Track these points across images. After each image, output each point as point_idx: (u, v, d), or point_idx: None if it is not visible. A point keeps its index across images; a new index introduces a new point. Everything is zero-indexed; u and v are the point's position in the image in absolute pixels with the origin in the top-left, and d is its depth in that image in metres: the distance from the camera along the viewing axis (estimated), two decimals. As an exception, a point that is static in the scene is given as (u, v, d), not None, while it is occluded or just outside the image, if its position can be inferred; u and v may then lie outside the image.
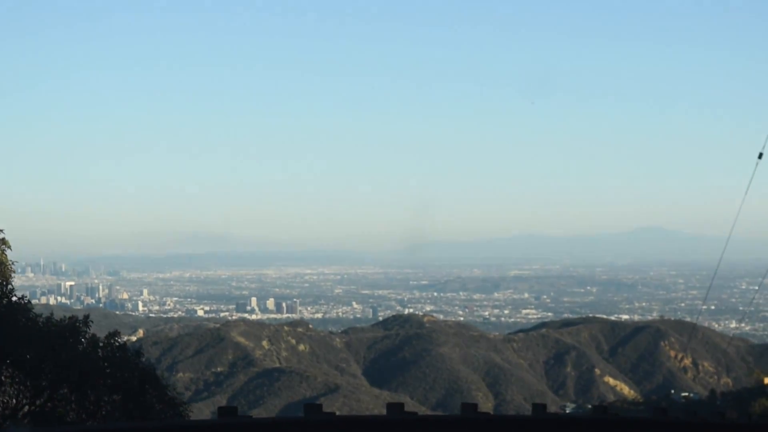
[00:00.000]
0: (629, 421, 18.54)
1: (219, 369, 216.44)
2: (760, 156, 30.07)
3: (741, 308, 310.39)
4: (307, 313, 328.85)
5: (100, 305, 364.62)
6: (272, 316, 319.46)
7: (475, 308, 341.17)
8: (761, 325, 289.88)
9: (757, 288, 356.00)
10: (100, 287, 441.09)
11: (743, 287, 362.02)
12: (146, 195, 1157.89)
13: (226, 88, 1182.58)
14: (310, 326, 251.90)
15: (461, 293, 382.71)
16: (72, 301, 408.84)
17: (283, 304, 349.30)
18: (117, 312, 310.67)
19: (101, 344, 34.13)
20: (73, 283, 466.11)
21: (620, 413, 23.65)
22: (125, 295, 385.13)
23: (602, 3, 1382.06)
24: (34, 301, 37.57)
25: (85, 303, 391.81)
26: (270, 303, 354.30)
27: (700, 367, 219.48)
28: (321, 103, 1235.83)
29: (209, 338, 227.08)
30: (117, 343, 34.42)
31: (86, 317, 34.57)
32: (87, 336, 34.06)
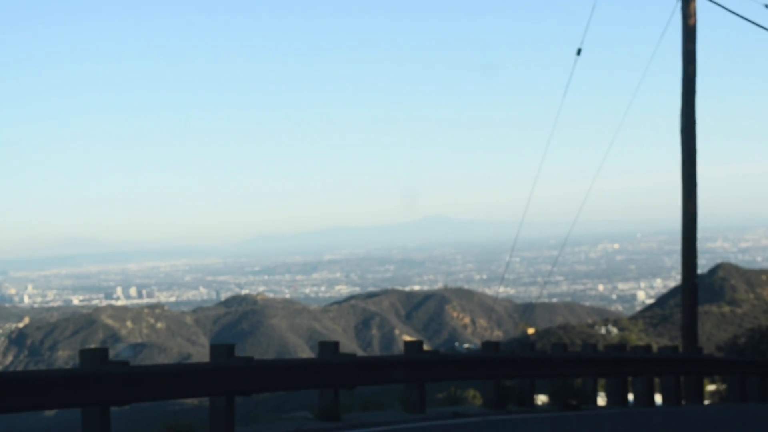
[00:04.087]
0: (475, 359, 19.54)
1: (92, 346, 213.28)
2: (579, 52, 29.85)
3: (506, 276, 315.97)
4: (163, 297, 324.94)
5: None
6: (135, 301, 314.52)
7: (298, 287, 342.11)
8: (522, 288, 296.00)
9: (518, 259, 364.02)
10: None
11: (507, 259, 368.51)
12: (30, 204, 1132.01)
13: (91, 106, 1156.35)
14: (166, 308, 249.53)
15: (287, 275, 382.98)
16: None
17: (143, 291, 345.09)
18: (6, 305, 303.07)
19: None
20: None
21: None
22: (13, 291, 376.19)
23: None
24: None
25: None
26: (132, 291, 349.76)
27: (477, 324, 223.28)
28: (170, 110, 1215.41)
29: (83, 321, 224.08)
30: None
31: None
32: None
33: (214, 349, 16.19)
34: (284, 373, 16.63)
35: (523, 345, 22.49)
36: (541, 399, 26.82)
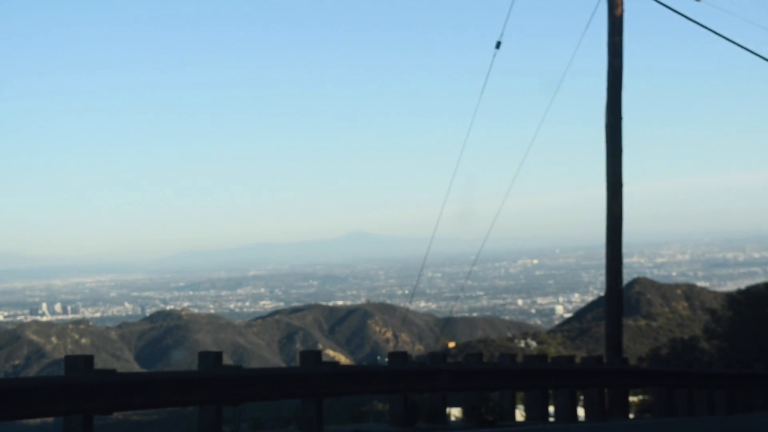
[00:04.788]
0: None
1: (17, 362, 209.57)
2: (498, 45, 27.72)
3: (428, 291, 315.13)
4: (88, 313, 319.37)
5: None
6: (60, 317, 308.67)
7: (222, 302, 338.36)
8: (443, 303, 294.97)
9: (439, 275, 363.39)
10: None
11: (429, 275, 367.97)
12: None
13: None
14: (91, 323, 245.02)
15: (211, 291, 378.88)
16: None
17: (69, 307, 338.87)
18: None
19: None
20: None
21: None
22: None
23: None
24: None
25: None
26: (58, 307, 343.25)
27: (399, 338, 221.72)
28: (90, 126, 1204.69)
29: (8, 337, 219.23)
30: None
31: None
32: None
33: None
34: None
35: (434, 356, 19.84)
36: (455, 414, 24.28)
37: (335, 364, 17.31)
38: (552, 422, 22.13)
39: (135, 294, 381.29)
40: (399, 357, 18.79)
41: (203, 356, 15.79)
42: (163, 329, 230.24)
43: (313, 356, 17.00)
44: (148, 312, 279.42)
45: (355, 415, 19.90)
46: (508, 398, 21.15)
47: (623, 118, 27.22)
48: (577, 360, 25.16)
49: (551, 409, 22.76)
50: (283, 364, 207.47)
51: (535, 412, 21.79)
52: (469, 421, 20.15)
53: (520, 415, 22.66)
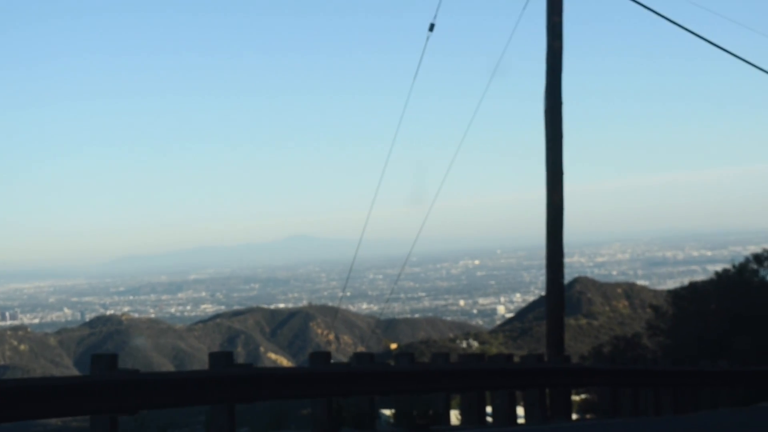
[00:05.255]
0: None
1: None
2: (431, 27, 26.14)
3: (370, 293, 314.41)
4: (26, 319, 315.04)
5: None
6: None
7: (163, 307, 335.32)
8: (385, 304, 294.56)
9: (381, 276, 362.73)
10: None
11: (371, 277, 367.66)
12: None
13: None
14: (29, 330, 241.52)
15: (152, 295, 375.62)
16: None
17: (7, 314, 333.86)
18: None
19: None
20: None
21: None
22: None
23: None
24: None
25: None
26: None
27: (342, 340, 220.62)
28: (28, 133, 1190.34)
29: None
30: None
31: None
32: None
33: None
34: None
35: (360, 357, 18.23)
36: (386, 418, 22.73)
37: (248, 366, 15.66)
38: (490, 425, 20.65)
39: (74, 299, 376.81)
40: (321, 358, 17.20)
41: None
42: (103, 335, 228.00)
43: (224, 358, 15.39)
44: (88, 317, 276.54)
45: (276, 419, 18.22)
46: (442, 400, 19.61)
47: (563, 103, 25.74)
48: (516, 359, 23.69)
49: (489, 409, 21.29)
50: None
51: (472, 415, 20.27)
52: (399, 426, 18.60)
53: (455, 418, 21.09)
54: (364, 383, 17.19)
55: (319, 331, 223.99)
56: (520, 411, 22.39)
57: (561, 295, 26.08)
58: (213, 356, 15.42)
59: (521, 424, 21.19)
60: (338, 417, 17.29)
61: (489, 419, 21.42)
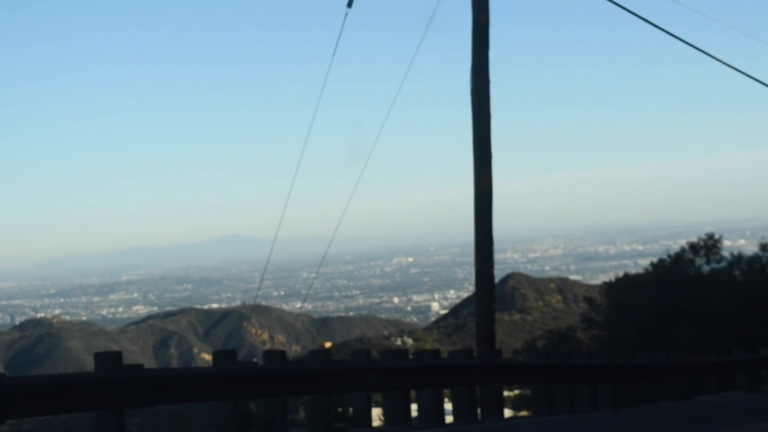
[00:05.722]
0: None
1: None
2: (350, 3, 24.45)
3: (303, 291, 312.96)
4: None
5: None
6: None
7: (95, 309, 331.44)
8: (319, 303, 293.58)
9: (314, 275, 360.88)
10: None
11: (305, 276, 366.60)
12: None
13: None
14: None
15: (83, 297, 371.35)
16: None
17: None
18: None
19: None
20: None
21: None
22: None
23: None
24: None
25: None
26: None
27: (276, 340, 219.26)
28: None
29: None
30: None
31: None
32: None
33: None
34: None
35: (270, 355, 16.52)
36: (300, 421, 21.04)
37: (138, 367, 13.91)
38: (415, 426, 19.07)
39: (4, 302, 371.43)
40: (225, 356, 15.51)
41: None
42: (33, 338, 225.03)
43: (111, 358, 13.63)
44: (18, 320, 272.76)
45: (177, 425, 16.44)
46: (363, 401, 17.98)
47: (491, 82, 24.16)
48: (444, 354, 22.12)
49: (414, 408, 19.72)
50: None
51: (395, 416, 18.66)
52: (314, 430, 16.94)
53: (378, 418, 19.47)
54: (274, 384, 15.52)
55: (253, 330, 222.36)
56: (448, 409, 20.92)
57: (491, 286, 24.51)
58: (99, 356, 13.65)
59: (449, 424, 19.68)
60: (246, 421, 15.62)
61: (414, 420, 19.88)
